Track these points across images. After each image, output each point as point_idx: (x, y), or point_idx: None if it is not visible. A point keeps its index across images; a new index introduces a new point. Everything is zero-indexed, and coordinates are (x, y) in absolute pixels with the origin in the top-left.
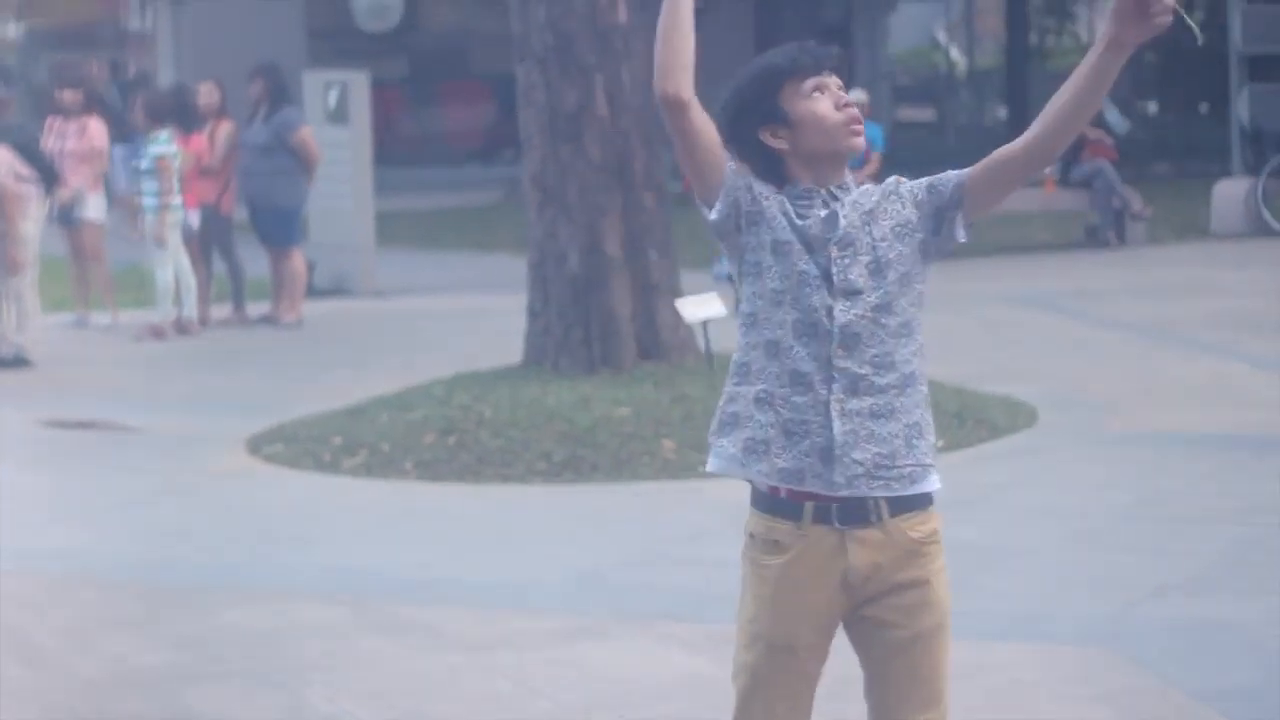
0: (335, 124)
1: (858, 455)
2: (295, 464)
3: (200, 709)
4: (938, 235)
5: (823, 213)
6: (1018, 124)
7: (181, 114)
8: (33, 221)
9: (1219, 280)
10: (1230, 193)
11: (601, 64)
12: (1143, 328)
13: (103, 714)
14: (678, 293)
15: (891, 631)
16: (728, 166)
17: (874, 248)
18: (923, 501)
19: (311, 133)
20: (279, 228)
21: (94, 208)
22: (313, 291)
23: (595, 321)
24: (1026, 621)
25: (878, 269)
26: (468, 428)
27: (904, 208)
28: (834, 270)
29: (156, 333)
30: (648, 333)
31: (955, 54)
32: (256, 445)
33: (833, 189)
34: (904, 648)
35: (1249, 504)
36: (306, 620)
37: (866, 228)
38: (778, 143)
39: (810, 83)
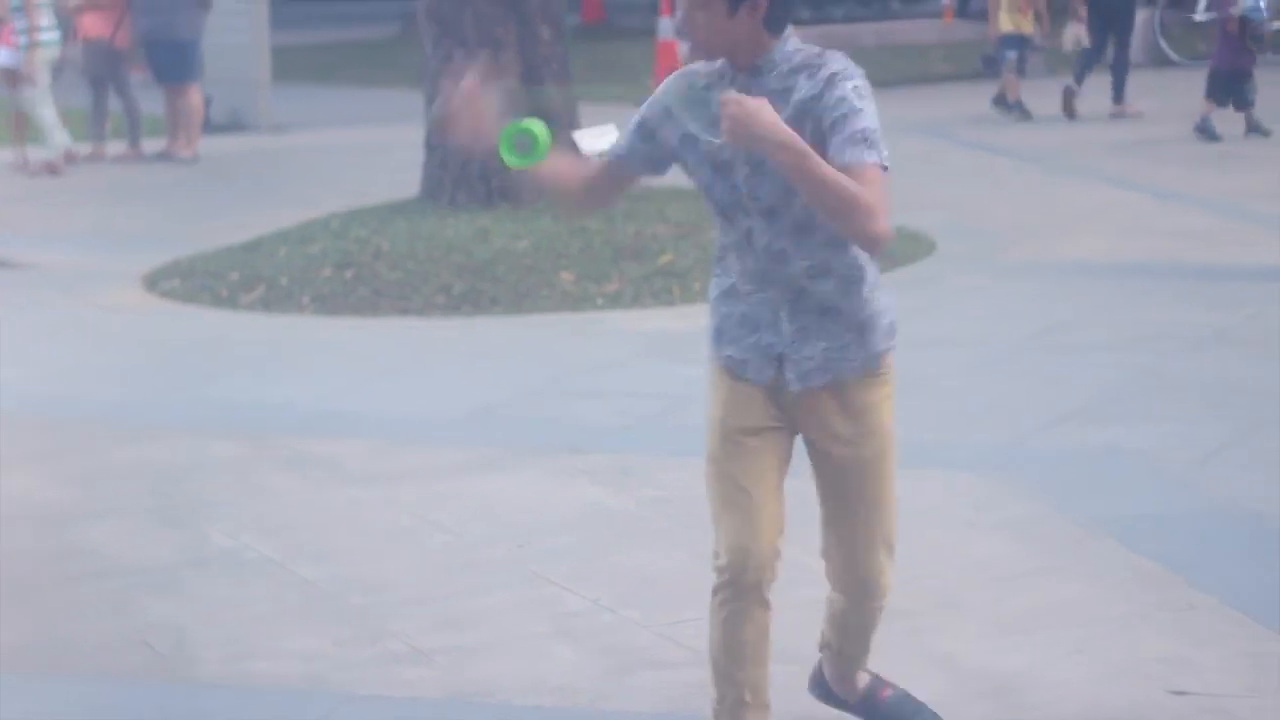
0: None
1: (808, 351)
2: (192, 299)
3: (99, 545)
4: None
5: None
6: None
7: None
8: None
9: (1115, 109)
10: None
11: None
12: (1041, 157)
13: None
14: (575, 125)
15: (839, 457)
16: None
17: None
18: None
19: None
20: (174, 62)
21: None
22: (209, 127)
23: (493, 155)
24: (925, 450)
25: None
26: (365, 261)
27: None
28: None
29: (51, 169)
30: None
31: None
32: (153, 281)
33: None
34: (852, 471)
35: (1146, 332)
36: (207, 456)
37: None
38: None
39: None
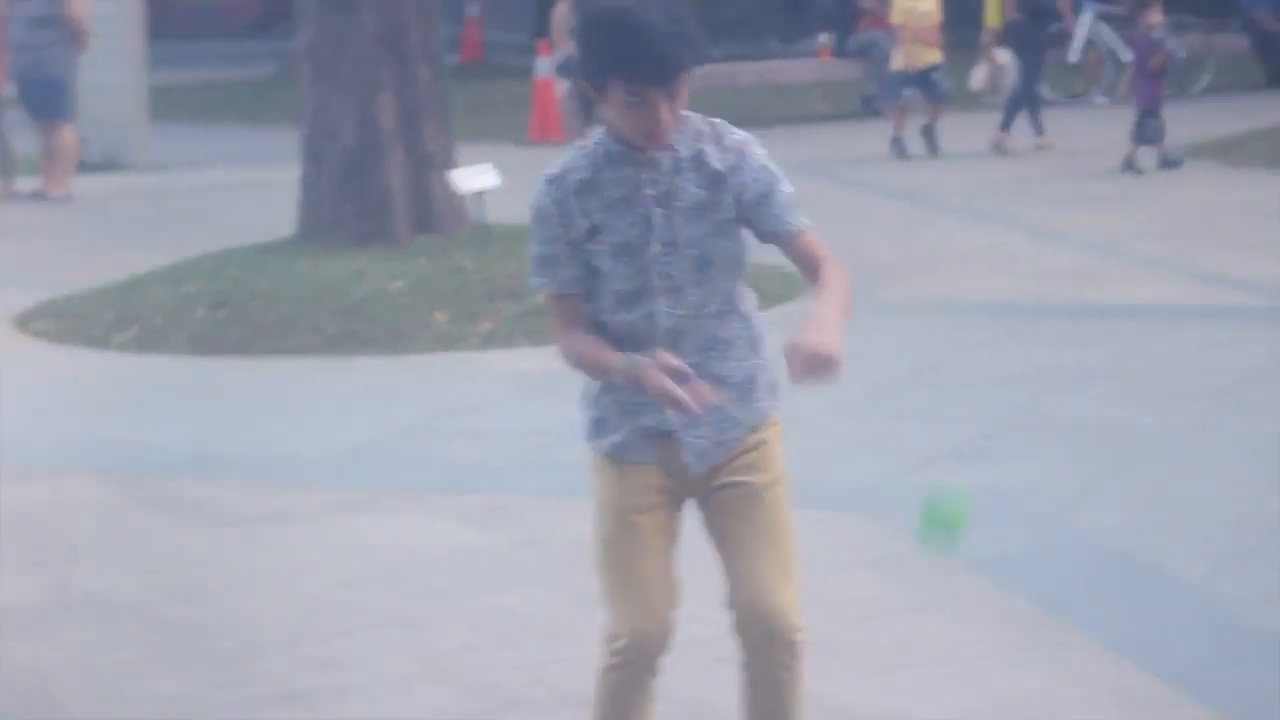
0: None
1: (697, 430)
2: (65, 339)
3: None
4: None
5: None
6: None
7: None
8: None
9: (988, 148)
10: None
11: None
12: (918, 196)
13: None
14: (452, 165)
15: (733, 490)
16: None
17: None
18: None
19: (84, 4)
20: (48, 100)
21: None
22: (85, 166)
23: (369, 195)
24: (800, 488)
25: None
26: (240, 301)
27: (729, 196)
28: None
29: None
30: (422, 205)
31: None
32: (25, 321)
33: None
34: (747, 501)
35: (1018, 370)
36: (76, 498)
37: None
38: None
39: (634, 106)
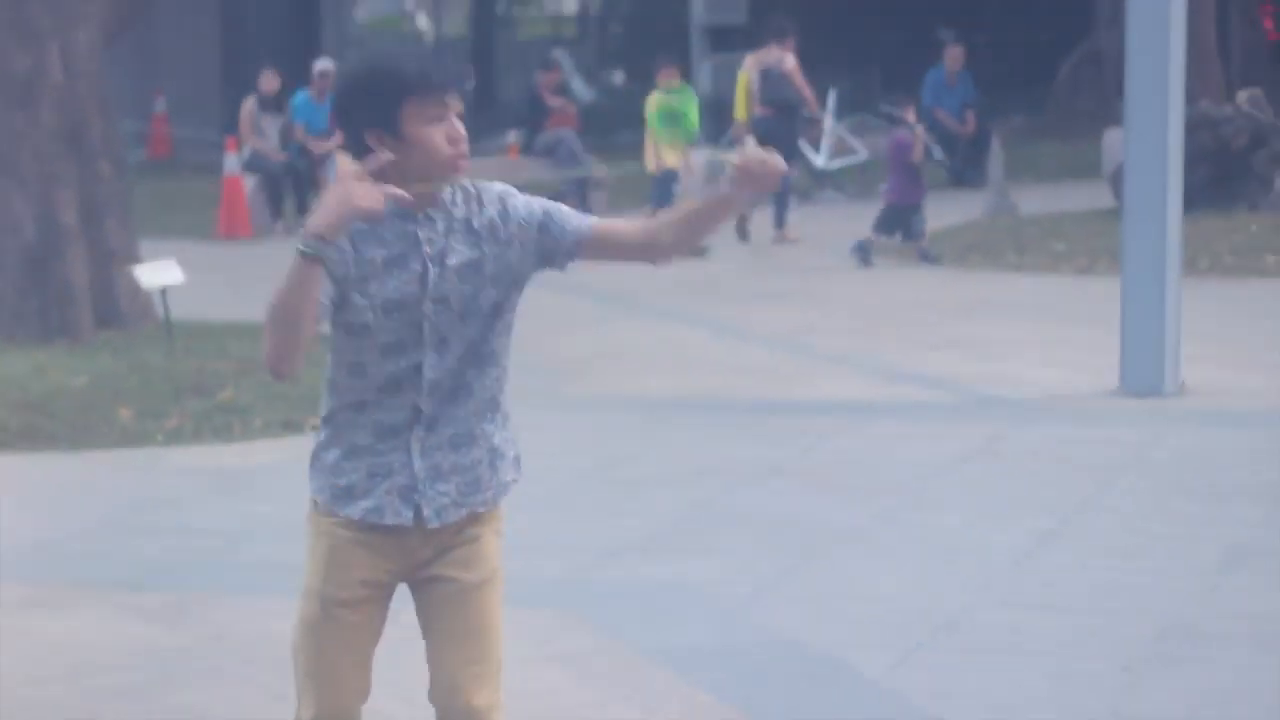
0: None
1: (442, 487)
2: None
3: None
4: (541, 269)
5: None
6: (484, 93)
7: None
8: None
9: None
10: (694, 161)
11: (56, 28)
12: (602, 294)
13: None
14: (136, 260)
15: (444, 585)
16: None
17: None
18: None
19: None
20: None
21: None
22: None
23: (51, 290)
24: None
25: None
26: None
27: (504, 248)
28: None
29: None
30: (105, 301)
31: (423, 22)
32: None
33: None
34: (456, 599)
35: (700, 466)
36: None
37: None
38: (382, 151)
39: (434, 108)
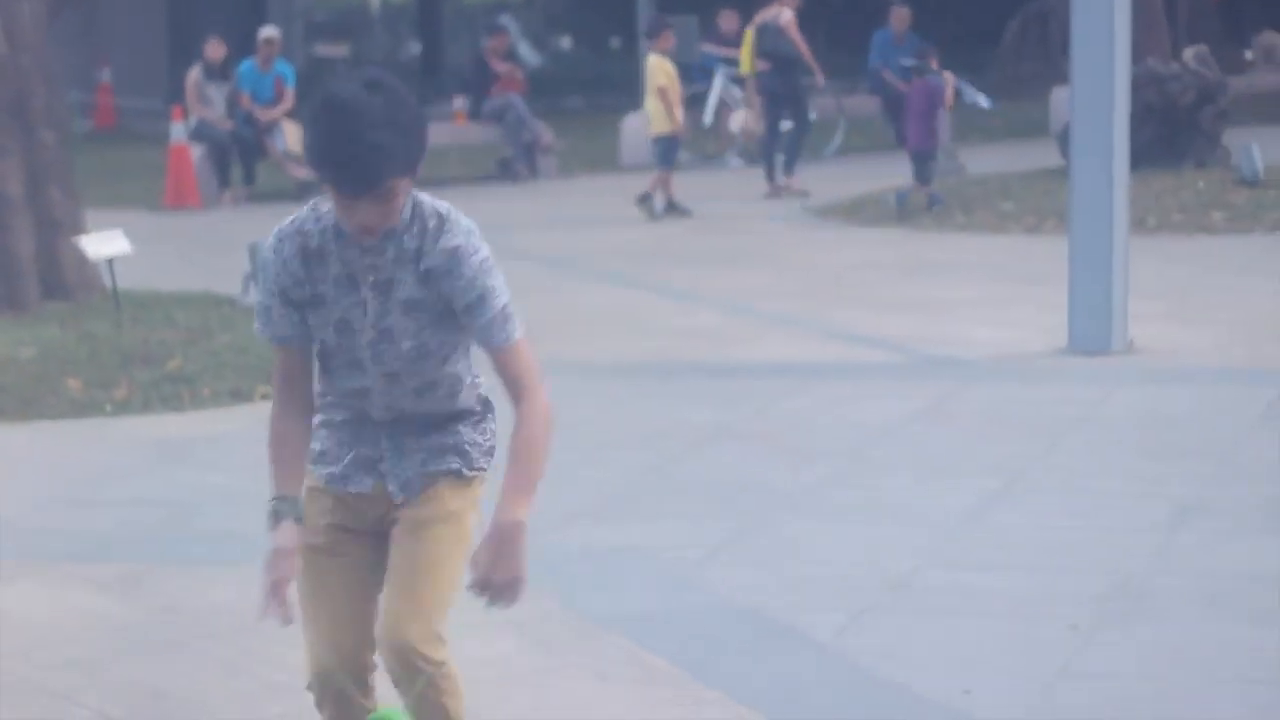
0: None
1: (406, 465)
2: None
3: None
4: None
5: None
6: (431, 59)
7: None
8: None
9: (628, 212)
10: (638, 127)
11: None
12: (554, 259)
13: None
14: (81, 231)
15: (397, 526)
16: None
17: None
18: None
19: None
20: None
21: None
22: None
23: None
24: None
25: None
26: None
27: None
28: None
29: None
30: (51, 272)
31: None
32: None
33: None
34: (402, 536)
35: (650, 430)
36: None
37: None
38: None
39: (345, 199)
